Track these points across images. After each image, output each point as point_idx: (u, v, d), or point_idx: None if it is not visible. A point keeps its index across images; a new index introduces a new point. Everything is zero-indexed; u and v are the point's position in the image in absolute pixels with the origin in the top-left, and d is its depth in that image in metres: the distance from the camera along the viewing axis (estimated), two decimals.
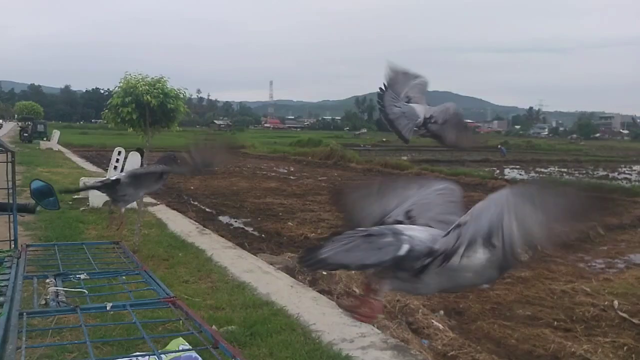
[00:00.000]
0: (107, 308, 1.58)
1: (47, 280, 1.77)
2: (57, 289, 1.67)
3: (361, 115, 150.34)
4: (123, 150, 10.31)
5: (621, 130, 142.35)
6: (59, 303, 1.60)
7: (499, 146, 41.17)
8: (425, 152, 41.35)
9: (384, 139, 65.22)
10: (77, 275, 1.89)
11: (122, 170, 9.33)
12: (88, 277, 1.91)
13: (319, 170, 21.57)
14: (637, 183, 18.43)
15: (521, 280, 6.39)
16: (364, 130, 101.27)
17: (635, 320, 4.96)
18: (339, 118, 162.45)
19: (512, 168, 26.66)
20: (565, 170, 25.58)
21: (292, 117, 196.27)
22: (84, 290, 1.77)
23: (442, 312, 5.23)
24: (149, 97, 5.58)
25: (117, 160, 10.34)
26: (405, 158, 28.42)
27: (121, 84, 5.81)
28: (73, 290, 1.75)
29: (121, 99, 5.72)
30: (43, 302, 1.60)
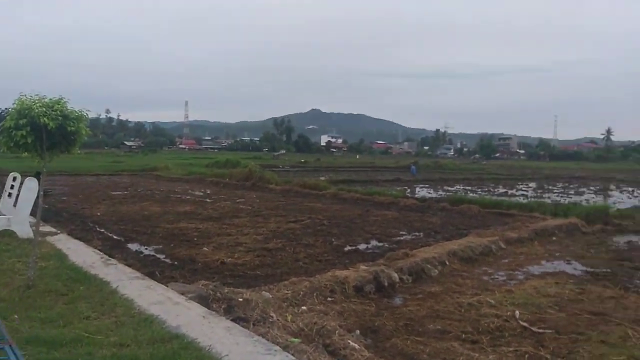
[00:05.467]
0: None
1: None
2: None
3: (279, 137, 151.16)
4: (19, 176, 9.53)
5: (518, 150, 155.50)
6: None
7: (411, 165, 43.13)
8: (342, 172, 42.39)
9: (303, 160, 66.05)
10: None
11: (17, 197, 8.59)
12: None
13: (237, 192, 21.23)
14: (533, 199, 20.04)
15: (431, 295, 6.65)
16: (283, 151, 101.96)
17: (534, 329, 5.32)
18: (257, 139, 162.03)
19: (422, 187, 28.02)
20: (469, 188, 27.31)
21: (209, 138, 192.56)
22: None
23: (358, 331, 5.28)
24: (46, 119, 5.20)
25: (12, 187, 9.55)
26: (323, 178, 28.80)
27: (15, 106, 5.37)
28: None
29: (14, 122, 5.29)
30: None
